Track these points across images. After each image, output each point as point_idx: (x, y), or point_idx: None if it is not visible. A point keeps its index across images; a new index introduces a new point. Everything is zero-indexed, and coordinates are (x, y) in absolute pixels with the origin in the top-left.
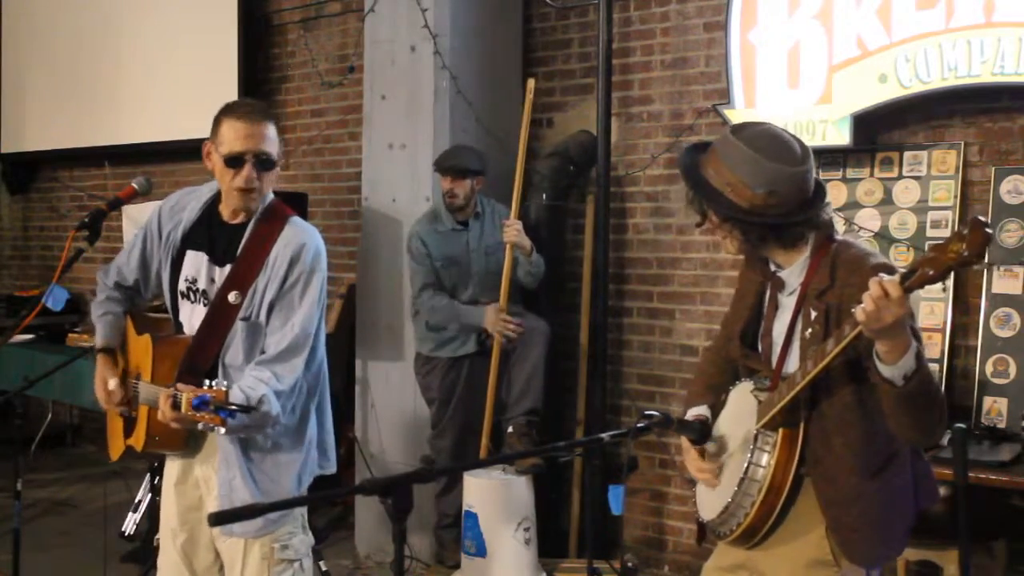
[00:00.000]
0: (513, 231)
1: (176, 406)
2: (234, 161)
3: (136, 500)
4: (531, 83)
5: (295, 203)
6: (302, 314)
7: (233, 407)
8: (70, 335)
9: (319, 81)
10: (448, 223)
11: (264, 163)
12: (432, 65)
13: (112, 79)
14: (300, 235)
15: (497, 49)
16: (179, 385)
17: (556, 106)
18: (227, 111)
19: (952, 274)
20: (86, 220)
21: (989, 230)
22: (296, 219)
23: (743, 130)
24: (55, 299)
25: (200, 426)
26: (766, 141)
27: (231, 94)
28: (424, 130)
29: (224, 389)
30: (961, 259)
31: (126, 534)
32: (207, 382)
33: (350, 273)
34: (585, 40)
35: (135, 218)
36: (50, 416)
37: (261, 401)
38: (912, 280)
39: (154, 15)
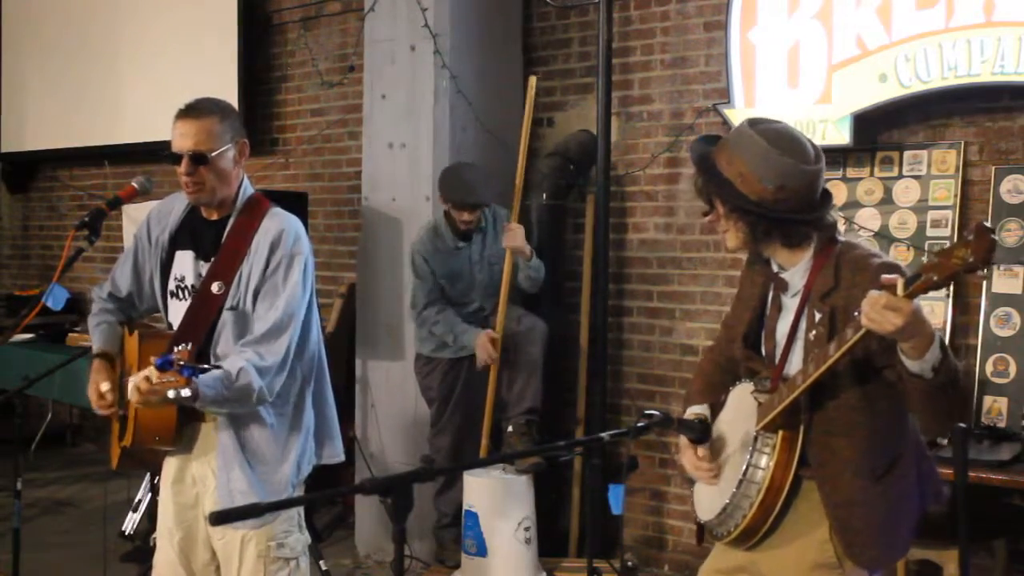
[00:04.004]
0: (513, 236)
1: (148, 379)
2: (174, 159)
3: (136, 500)
4: (532, 80)
5: (295, 203)
6: (286, 296)
7: (199, 367)
8: (70, 335)
9: (319, 80)
10: (450, 241)
11: (196, 158)
12: (432, 65)
13: (112, 79)
14: (279, 222)
15: (497, 49)
16: (150, 358)
17: (556, 105)
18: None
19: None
20: (86, 219)
21: (995, 237)
22: (276, 209)
23: (760, 123)
24: (55, 298)
25: (171, 394)
26: (781, 137)
27: (231, 94)
28: (424, 130)
29: (189, 350)
30: (967, 265)
31: (126, 534)
32: (176, 347)
33: (350, 273)
34: (585, 40)
35: (135, 218)
36: (50, 416)
37: (240, 374)
38: (916, 286)
39: (154, 15)
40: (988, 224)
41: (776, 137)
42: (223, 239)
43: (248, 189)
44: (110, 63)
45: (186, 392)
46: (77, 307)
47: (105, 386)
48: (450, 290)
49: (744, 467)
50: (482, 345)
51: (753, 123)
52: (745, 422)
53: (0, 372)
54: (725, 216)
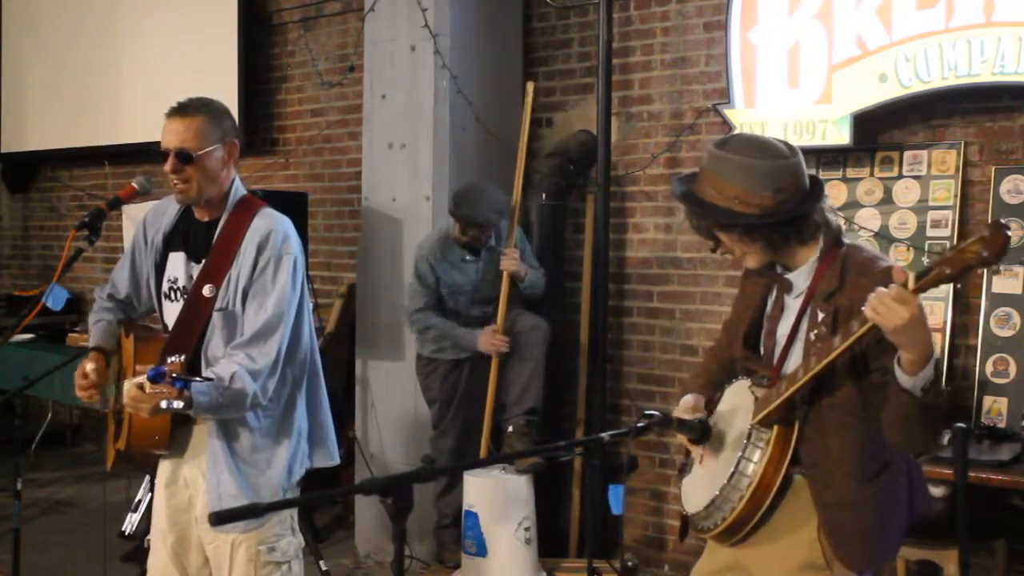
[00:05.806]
0: (510, 261)
1: (141, 388)
2: (163, 157)
3: (136, 500)
4: (531, 86)
5: (295, 203)
6: (274, 297)
7: (192, 379)
8: (70, 335)
9: (319, 81)
10: (460, 253)
11: (180, 156)
12: (432, 65)
13: (112, 79)
14: (269, 222)
15: (497, 49)
16: (138, 367)
17: (556, 106)
18: None
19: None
20: (86, 220)
21: (1010, 232)
22: (266, 209)
23: (726, 143)
24: (55, 299)
25: (163, 404)
26: (752, 145)
27: (231, 94)
28: (424, 130)
29: (181, 362)
30: (981, 260)
31: (126, 534)
32: (169, 359)
33: (350, 273)
34: (585, 40)
35: (135, 218)
36: (50, 416)
37: (233, 378)
38: (928, 279)
39: (154, 14)
40: (1006, 221)
41: (749, 148)
42: (214, 240)
43: (240, 190)
44: (110, 63)
45: (178, 403)
46: (77, 307)
47: (90, 366)
48: (450, 301)
49: (736, 460)
50: (486, 342)
51: (720, 145)
52: (741, 416)
53: (0, 372)
54: (738, 241)
